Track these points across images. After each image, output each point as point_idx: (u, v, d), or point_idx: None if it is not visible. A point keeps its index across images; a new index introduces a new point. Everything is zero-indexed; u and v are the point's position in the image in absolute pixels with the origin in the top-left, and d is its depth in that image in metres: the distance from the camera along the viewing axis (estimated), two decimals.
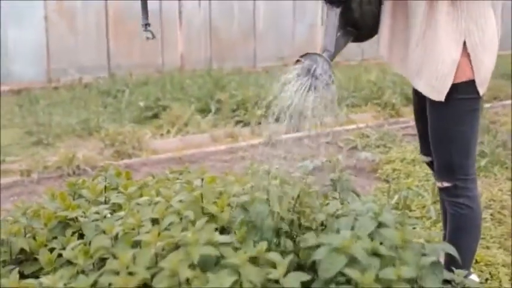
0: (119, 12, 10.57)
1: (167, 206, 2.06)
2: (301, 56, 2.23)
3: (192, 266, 1.60)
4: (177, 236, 1.69)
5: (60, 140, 6.01)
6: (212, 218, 2.06)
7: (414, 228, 2.31)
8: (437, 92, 2.19)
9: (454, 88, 2.16)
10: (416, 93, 2.46)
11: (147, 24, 2.50)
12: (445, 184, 2.38)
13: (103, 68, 10.27)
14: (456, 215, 2.38)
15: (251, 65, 11.96)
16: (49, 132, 6.14)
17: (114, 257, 1.73)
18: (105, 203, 2.42)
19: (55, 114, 6.91)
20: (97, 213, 2.08)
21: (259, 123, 6.69)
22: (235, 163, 5.41)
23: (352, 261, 1.76)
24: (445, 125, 2.28)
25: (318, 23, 13.37)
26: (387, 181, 4.75)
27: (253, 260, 1.74)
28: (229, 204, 2.08)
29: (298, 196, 2.31)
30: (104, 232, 1.86)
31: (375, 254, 1.77)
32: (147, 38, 2.49)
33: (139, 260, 1.60)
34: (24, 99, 7.96)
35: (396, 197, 4.10)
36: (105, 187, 2.54)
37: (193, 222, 1.98)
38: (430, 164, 2.61)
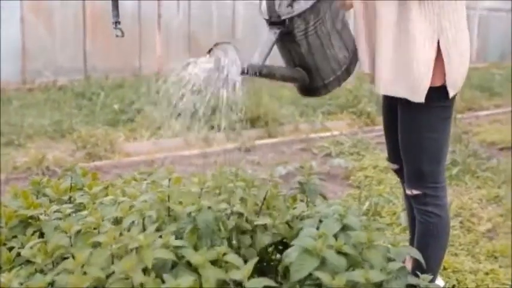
0: (96, 13, 10.49)
1: (130, 205, 2.04)
2: (210, 49, 2.09)
3: (146, 270, 1.57)
4: (134, 238, 1.66)
5: (31, 141, 5.93)
6: (175, 219, 2.04)
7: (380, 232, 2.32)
8: (417, 94, 2.15)
9: (428, 94, 2.15)
10: (387, 103, 2.46)
11: (117, 22, 2.47)
12: (415, 192, 2.37)
13: (79, 70, 10.17)
14: (424, 223, 2.38)
15: None
16: (20, 133, 6.05)
17: (73, 256, 1.70)
18: (70, 202, 2.38)
19: (28, 116, 6.82)
20: (58, 211, 2.05)
21: (234, 128, 6.67)
22: (208, 168, 5.37)
23: (322, 263, 1.75)
24: (417, 132, 2.27)
25: None
26: (359, 187, 4.76)
27: (212, 263, 1.72)
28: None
29: (265, 198, 2.30)
30: (64, 231, 1.83)
31: (341, 253, 1.77)
32: (117, 36, 2.46)
33: (94, 260, 1.57)
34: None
35: (367, 203, 4.12)
36: (71, 186, 2.50)
37: (157, 223, 1.96)
38: (398, 172, 2.61)
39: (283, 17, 2.07)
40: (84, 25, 10.29)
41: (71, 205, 2.30)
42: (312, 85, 2.28)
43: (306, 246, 1.72)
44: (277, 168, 5.14)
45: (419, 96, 2.15)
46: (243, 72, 1.98)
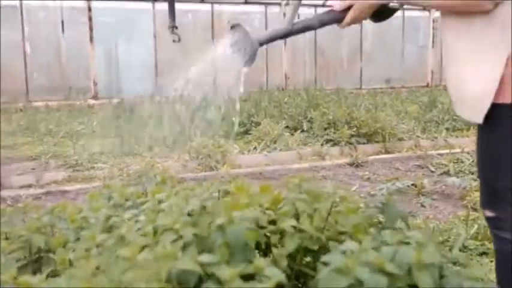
0: (225, 30, 10.81)
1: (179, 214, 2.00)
2: (231, 27, 2.05)
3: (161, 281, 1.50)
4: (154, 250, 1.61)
5: (149, 151, 6.16)
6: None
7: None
8: (477, 114, 1.94)
9: (499, 107, 1.91)
10: None
11: (173, 27, 2.46)
12: (488, 213, 2.12)
13: None
14: (500, 251, 2.10)
15: (357, 86, 11.75)
16: (141, 143, 6.32)
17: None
18: (133, 207, 2.40)
19: (150, 127, 7.12)
20: (109, 216, 2.05)
21: (349, 143, 6.50)
22: (316, 182, 5.25)
23: (357, 283, 1.59)
24: (492, 146, 2.03)
25: (429, 45, 12.83)
26: (474, 209, 4.40)
27: (247, 278, 1.63)
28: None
29: (329, 213, 2.15)
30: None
31: (382, 271, 1.59)
32: (173, 41, 2.45)
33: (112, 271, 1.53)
34: (125, 112, 8.30)
35: (476, 226, 3.78)
36: (138, 192, 2.52)
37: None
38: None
39: None
40: (213, 41, 10.63)
41: (134, 210, 2.31)
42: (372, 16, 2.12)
43: (336, 263, 1.56)
44: (386, 185, 4.89)
45: (478, 117, 1.92)
46: (260, 44, 1.95)
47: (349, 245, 1.82)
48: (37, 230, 2.13)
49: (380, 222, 2.39)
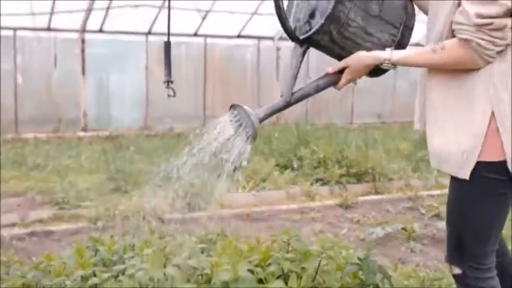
0: (217, 65, 10.85)
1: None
2: (230, 107, 2.11)
3: None
4: None
5: (138, 188, 6.09)
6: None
7: None
8: (463, 170, 1.91)
9: (480, 165, 1.89)
10: None
11: (169, 82, 2.45)
12: (455, 270, 2.09)
13: (198, 117, 10.51)
14: None
15: (348, 121, 11.77)
16: (129, 180, 6.26)
17: None
18: (121, 263, 2.35)
19: (139, 162, 7.06)
20: (94, 275, 2.01)
21: (339, 182, 6.47)
22: (305, 224, 5.20)
23: None
24: (462, 203, 2.00)
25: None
26: None
27: None
28: None
29: (316, 273, 2.11)
30: None
31: None
32: (169, 96, 2.44)
33: None
34: (115, 146, 8.24)
35: None
36: (126, 246, 2.48)
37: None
38: None
39: (301, 37, 2.00)
40: (205, 74, 10.65)
41: (121, 266, 2.26)
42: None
43: None
44: (375, 229, 4.85)
45: (464, 172, 1.91)
46: (260, 121, 2.05)
47: None
48: (22, 287, 2.08)
49: (361, 279, 2.36)
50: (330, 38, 1.99)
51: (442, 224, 5.14)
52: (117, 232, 4.61)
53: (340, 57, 2.09)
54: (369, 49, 2.04)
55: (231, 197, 5.94)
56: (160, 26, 10.15)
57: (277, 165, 7.02)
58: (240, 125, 2.05)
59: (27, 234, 4.64)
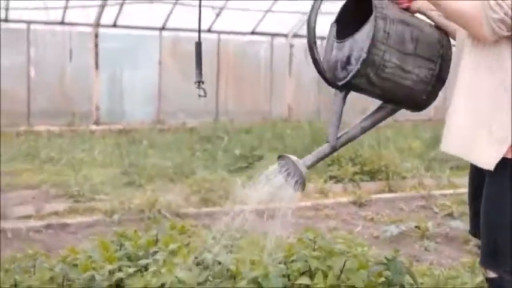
0: (230, 60, 10.86)
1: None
2: (278, 157, 2.21)
3: None
4: None
5: (151, 182, 6.12)
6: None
7: None
8: (488, 161, 1.89)
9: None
10: (474, 170, 2.17)
11: (200, 82, 2.47)
12: (490, 274, 2.03)
13: (211, 112, 10.53)
14: None
15: (360, 118, 11.75)
16: (142, 174, 6.28)
17: None
18: (146, 257, 2.36)
19: (153, 156, 7.09)
20: (119, 270, 2.03)
21: (353, 180, 6.47)
22: (319, 221, 5.21)
23: None
24: (500, 201, 1.96)
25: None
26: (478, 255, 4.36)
27: None
28: None
29: (341, 271, 2.12)
30: None
31: None
32: (199, 96, 2.45)
33: None
34: (128, 140, 8.27)
35: (482, 276, 3.73)
36: (150, 241, 2.49)
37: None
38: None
39: (339, 84, 2.03)
40: (218, 69, 10.65)
41: (146, 261, 2.28)
42: (408, 107, 2.21)
43: None
44: (389, 227, 4.85)
45: (489, 164, 1.88)
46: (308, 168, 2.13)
47: None
48: (50, 280, 2.10)
49: (386, 278, 2.37)
50: (368, 80, 2.00)
51: (456, 223, 5.16)
52: (133, 226, 4.65)
53: (381, 97, 2.12)
54: (408, 87, 2.04)
55: (244, 194, 5.95)
56: (174, 22, 10.16)
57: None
58: (288, 174, 2.11)
59: (43, 226, 4.67)
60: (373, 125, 2.17)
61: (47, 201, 5.43)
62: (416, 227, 4.95)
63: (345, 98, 2.11)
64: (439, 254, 4.54)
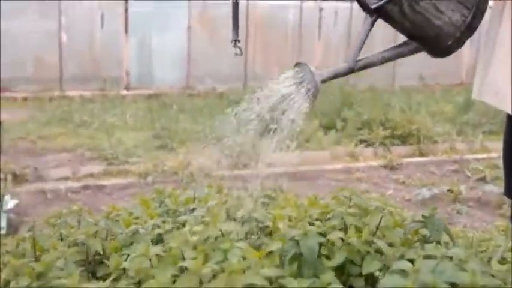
0: (259, 23, 10.80)
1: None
2: (295, 65, 2.06)
3: None
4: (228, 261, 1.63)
5: (183, 146, 6.19)
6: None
7: None
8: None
9: None
10: (510, 129, 2.16)
11: (236, 41, 2.46)
12: None
13: (240, 77, 10.53)
14: None
15: (390, 83, 11.63)
16: (174, 137, 6.35)
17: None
18: (185, 214, 2.42)
19: (183, 121, 7.15)
20: (158, 226, 2.10)
21: (383, 144, 6.46)
22: (350, 184, 5.23)
23: None
24: None
25: (466, 44, 12.57)
26: None
27: None
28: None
29: (377, 228, 2.14)
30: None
31: None
32: (236, 54, 2.44)
33: (181, 284, 1.55)
34: (159, 104, 8.35)
35: None
36: (188, 198, 2.55)
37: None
38: None
39: (372, 7, 1.97)
40: (247, 34, 10.61)
41: (185, 217, 2.33)
42: (432, 49, 2.12)
43: (395, 286, 1.56)
44: (422, 190, 4.86)
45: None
46: (322, 81, 1.97)
47: (402, 264, 1.83)
48: (94, 234, 2.17)
49: (423, 235, 2.39)
50: (400, 10, 1.98)
51: (489, 187, 5.14)
52: (167, 188, 4.73)
53: (408, 32, 2.09)
54: (438, 27, 2.03)
55: (274, 157, 5.99)
56: None
57: (320, 125, 7.03)
58: (302, 81, 2.03)
59: (81, 187, 4.79)
60: (394, 57, 2.15)
61: (82, 164, 5.55)
62: (448, 190, 4.96)
63: (373, 23, 2.04)
64: (472, 218, 4.55)
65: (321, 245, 2.02)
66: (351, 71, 2.09)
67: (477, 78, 2.06)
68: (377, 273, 2.04)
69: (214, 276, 1.66)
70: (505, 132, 2.25)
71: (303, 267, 1.84)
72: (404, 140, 6.64)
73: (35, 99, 8.62)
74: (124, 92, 9.82)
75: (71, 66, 9.96)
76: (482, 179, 5.46)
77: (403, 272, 1.72)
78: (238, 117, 2.36)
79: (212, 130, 6.70)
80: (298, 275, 1.83)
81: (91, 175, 5.19)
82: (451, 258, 1.92)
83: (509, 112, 1.95)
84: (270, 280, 1.70)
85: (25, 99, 8.80)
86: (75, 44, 9.92)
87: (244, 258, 1.72)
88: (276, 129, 2.30)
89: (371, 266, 1.96)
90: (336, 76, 2.13)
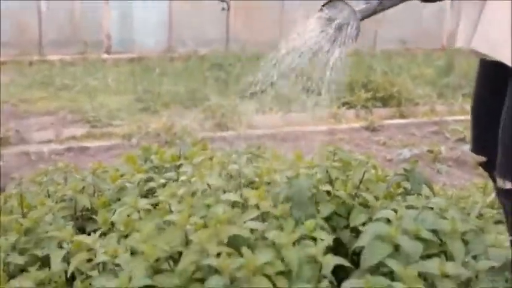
0: None
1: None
2: (324, 5, 1.91)
3: (220, 244, 1.56)
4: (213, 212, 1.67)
5: (166, 108, 6.19)
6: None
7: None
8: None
9: None
10: (486, 73, 2.10)
11: None
12: (508, 185, 1.90)
13: (221, 40, 10.46)
14: None
15: (371, 45, 11.62)
16: (157, 100, 6.34)
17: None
18: (172, 171, 2.45)
19: (166, 84, 7.13)
20: (151, 180, 2.12)
21: (365, 106, 6.52)
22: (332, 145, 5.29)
23: (396, 249, 1.65)
24: None
25: (447, 8, 12.64)
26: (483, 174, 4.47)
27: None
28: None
29: (361, 181, 2.20)
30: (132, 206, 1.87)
31: (418, 238, 1.65)
32: (223, 9, 2.45)
33: (167, 237, 1.59)
34: (141, 67, 8.29)
35: (493, 195, 3.83)
36: (174, 155, 2.58)
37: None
38: (486, 166, 2.21)
39: None
40: None
41: (173, 173, 2.37)
42: None
43: (379, 232, 1.62)
44: (403, 151, 4.94)
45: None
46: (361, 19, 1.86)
47: (386, 213, 1.89)
48: (82, 190, 2.20)
49: (405, 188, 2.46)
50: None
51: (467, 147, 5.22)
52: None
53: None
54: None
55: (258, 118, 6.02)
56: None
57: (302, 88, 7.04)
58: (341, 24, 1.86)
59: (64, 150, 4.79)
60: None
61: (65, 127, 5.53)
62: (428, 151, 5.04)
63: None
64: (451, 177, 4.64)
65: (312, 195, 2.07)
66: (376, 11, 1.96)
67: (465, 26, 1.92)
68: (361, 228, 2.09)
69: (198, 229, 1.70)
70: (476, 84, 2.24)
71: (293, 208, 1.88)
72: (385, 102, 6.70)
73: (14, 63, 8.49)
74: (105, 56, 9.70)
75: (51, 30, 9.80)
76: (461, 140, 5.56)
77: (387, 221, 1.79)
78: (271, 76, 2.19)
79: (193, 92, 6.71)
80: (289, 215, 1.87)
81: (74, 137, 5.19)
82: (431, 208, 1.99)
83: (505, 62, 1.80)
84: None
85: (4, 63, 8.67)
86: (54, 10, 9.75)
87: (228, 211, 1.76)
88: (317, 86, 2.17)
89: (358, 219, 2.02)
90: (370, 15, 2.01)
